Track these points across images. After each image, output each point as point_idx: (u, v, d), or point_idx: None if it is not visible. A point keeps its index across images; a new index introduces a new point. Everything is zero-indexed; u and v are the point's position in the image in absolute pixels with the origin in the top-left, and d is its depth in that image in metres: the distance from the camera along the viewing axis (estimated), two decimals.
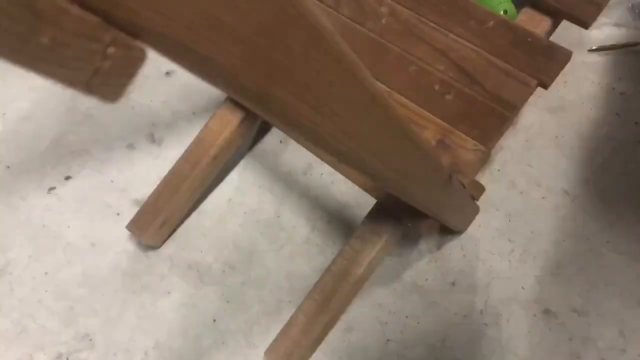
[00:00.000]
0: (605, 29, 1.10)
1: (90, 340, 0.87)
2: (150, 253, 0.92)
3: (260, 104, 0.28)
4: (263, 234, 0.93)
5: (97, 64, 0.19)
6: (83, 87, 0.19)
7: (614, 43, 1.09)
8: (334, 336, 0.87)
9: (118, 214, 0.95)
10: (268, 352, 0.82)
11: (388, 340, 0.87)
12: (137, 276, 0.91)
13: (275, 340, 0.82)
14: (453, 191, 0.69)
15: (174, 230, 0.93)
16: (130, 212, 0.91)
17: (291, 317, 0.83)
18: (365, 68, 0.32)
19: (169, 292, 0.90)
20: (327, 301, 0.82)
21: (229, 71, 0.24)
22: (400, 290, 0.90)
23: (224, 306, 0.89)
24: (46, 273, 0.91)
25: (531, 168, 0.97)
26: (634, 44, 1.08)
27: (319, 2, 0.82)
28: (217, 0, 0.20)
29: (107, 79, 0.19)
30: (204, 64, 0.23)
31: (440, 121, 0.72)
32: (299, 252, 0.92)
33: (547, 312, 0.89)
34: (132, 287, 0.90)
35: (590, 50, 1.09)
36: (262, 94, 0.26)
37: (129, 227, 0.90)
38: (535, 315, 0.88)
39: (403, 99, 0.74)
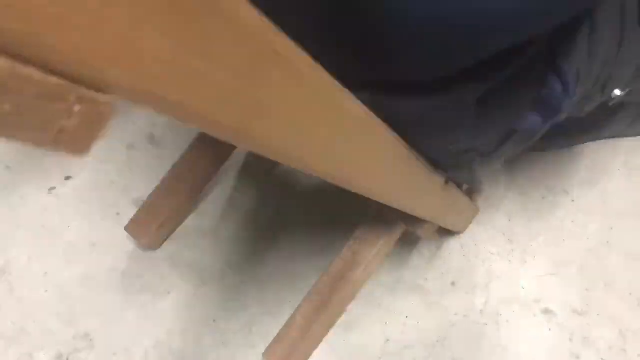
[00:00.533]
0: None
1: (90, 340, 0.88)
2: (150, 253, 0.93)
3: (239, 140, 0.28)
4: (263, 234, 0.93)
5: (63, 122, 0.18)
6: (49, 146, 0.19)
7: None
8: (334, 336, 0.87)
9: (118, 214, 0.95)
10: (266, 353, 0.82)
11: (388, 340, 0.88)
12: (137, 276, 0.91)
13: (273, 341, 0.82)
14: (450, 196, 0.69)
15: (174, 231, 0.94)
16: (130, 212, 0.91)
17: (289, 318, 0.83)
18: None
19: (169, 292, 0.90)
20: (325, 302, 0.82)
21: (203, 113, 0.23)
22: (400, 290, 0.90)
23: (224, 306, 0.90)
24: (46, 273, 0.91)
25: (531, 168, 0.97)
26: None
27: None
28: (187, 49, 0.20)
29: (74, 136, 0.19)
30: (176, 109, 0.23)
31: None
32: (300, 252, 0.92)
33: (547, 312, 0.88)
34: (132, 287, 0.91)
35: None
36: (240, 131, 0.26)
37: (128, 228, 0.90)
38: (535, 315, 0.88)
39: None
